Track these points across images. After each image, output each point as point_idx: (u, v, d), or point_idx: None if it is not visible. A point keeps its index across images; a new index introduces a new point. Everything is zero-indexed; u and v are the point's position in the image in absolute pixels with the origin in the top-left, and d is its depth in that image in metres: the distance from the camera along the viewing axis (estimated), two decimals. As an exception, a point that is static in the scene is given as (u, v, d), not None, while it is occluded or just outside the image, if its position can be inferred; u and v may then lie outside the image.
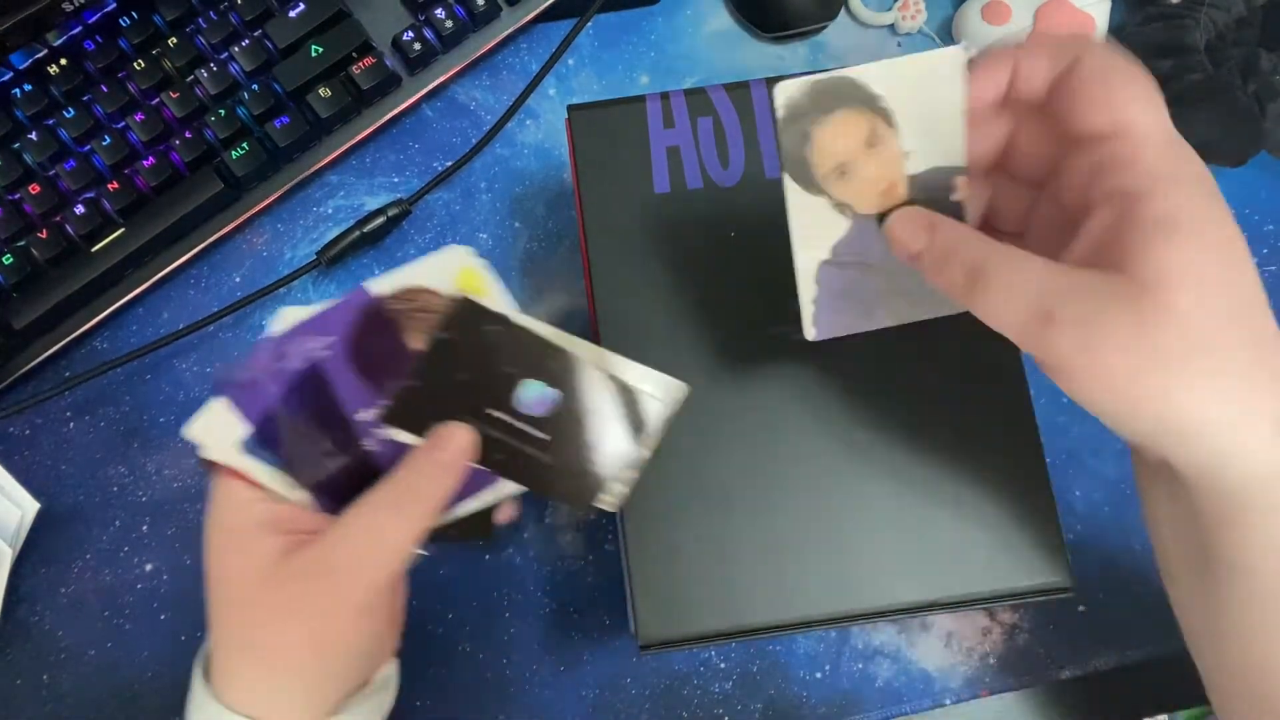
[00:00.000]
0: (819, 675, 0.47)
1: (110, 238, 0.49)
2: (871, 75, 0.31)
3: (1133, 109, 0.28)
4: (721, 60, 0.56)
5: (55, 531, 0.49)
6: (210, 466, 0.34)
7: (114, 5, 0.51)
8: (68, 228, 0.49)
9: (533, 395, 0.34)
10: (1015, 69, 0.30)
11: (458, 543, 0.35)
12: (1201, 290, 0.26)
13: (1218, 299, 0.26)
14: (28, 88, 0.50)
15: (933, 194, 0.32)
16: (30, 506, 0.47)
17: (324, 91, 0.51)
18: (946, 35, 0.56)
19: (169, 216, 0.50)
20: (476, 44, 0.53)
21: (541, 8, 0.54)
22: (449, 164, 0.53)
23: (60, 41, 0.51)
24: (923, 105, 0.32)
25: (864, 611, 0.38)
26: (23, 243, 0.49)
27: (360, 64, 0.51)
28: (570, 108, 0.44)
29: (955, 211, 0.33)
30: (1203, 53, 0.51)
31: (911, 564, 0.39)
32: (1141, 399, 0.27)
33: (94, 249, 0.49)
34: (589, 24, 0.55)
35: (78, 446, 0.50)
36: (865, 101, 0.31)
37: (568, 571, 0.49)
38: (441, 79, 0.53)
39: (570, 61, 0.55)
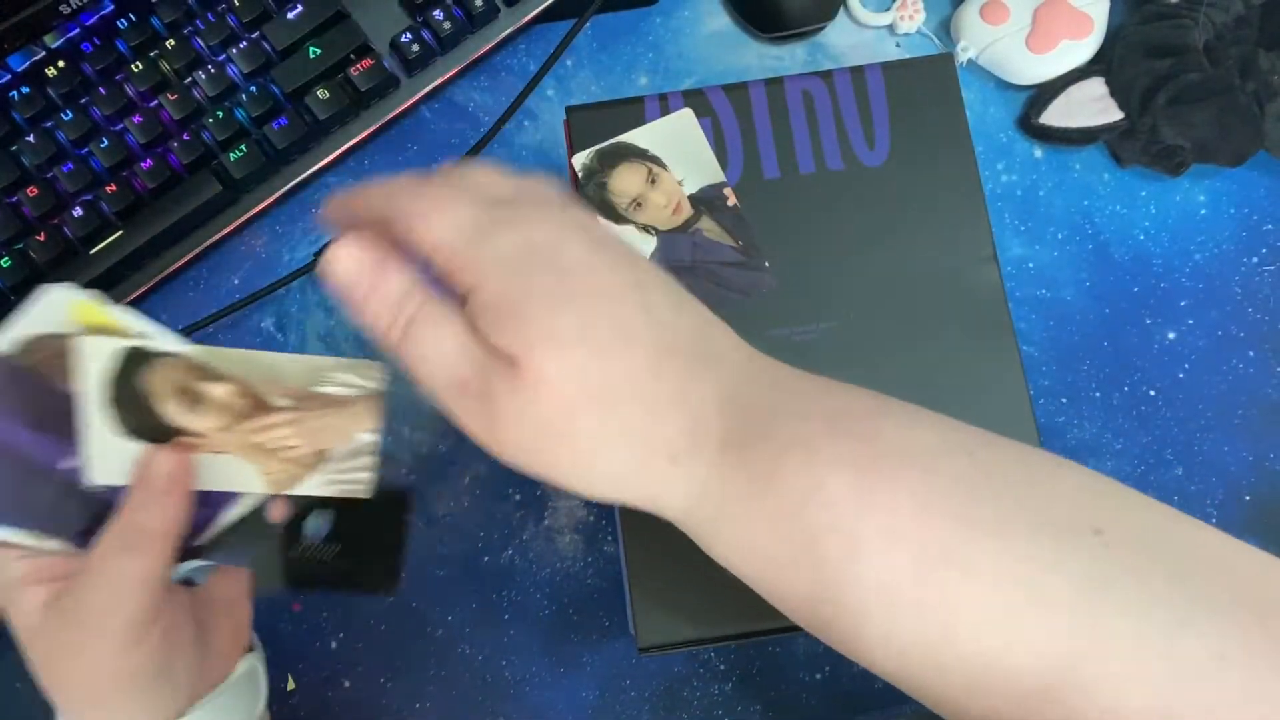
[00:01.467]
0: (819, 676, 0.47)
1: (108, 240, 0.49)
2: (636, 137, 0.43)
3: (421, 232, 0.28)
4: (720, 61, 0.56)
5: (54, 534, 0.49)
6: None
7: (111, 7, 0.51)
8: (66, 230, 0.49)
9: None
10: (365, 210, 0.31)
11: (360, 594, 0.35)
12: (553, 352, 0.27)
13: (570, 354, 0.27)
14: (25, 90, 0.50)
15: (713, 203, 0.42)
16: (29, 509, 0.47)
17: (322, 93, 0.51)
18: (945, 35, 0.56)
19: (167, 218, 0.49)
20: (475, 45, 0.53)
21: (540, 9, 0.54)
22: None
23: (58, 44, 0.51)
24: (679, 149, 0.43)
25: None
26: (21, 245, 0.49)
27: (358, 65, 0.51)
28: (569, 109, 0.44)
29: (735, 214, 0.42)
30: (1201, 52, 0.51)
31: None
32: (552, 463, 0.28)
33: (92, 251, 0.49)
34: (587, 25, 0.55)
35: (76, 449, 0.50)
36: (638, 155, 0.43)
37: (567, 573, 0.48)
38: (440, 80, 0.53)
39: (569, 62, 0.55)
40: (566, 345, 0.27)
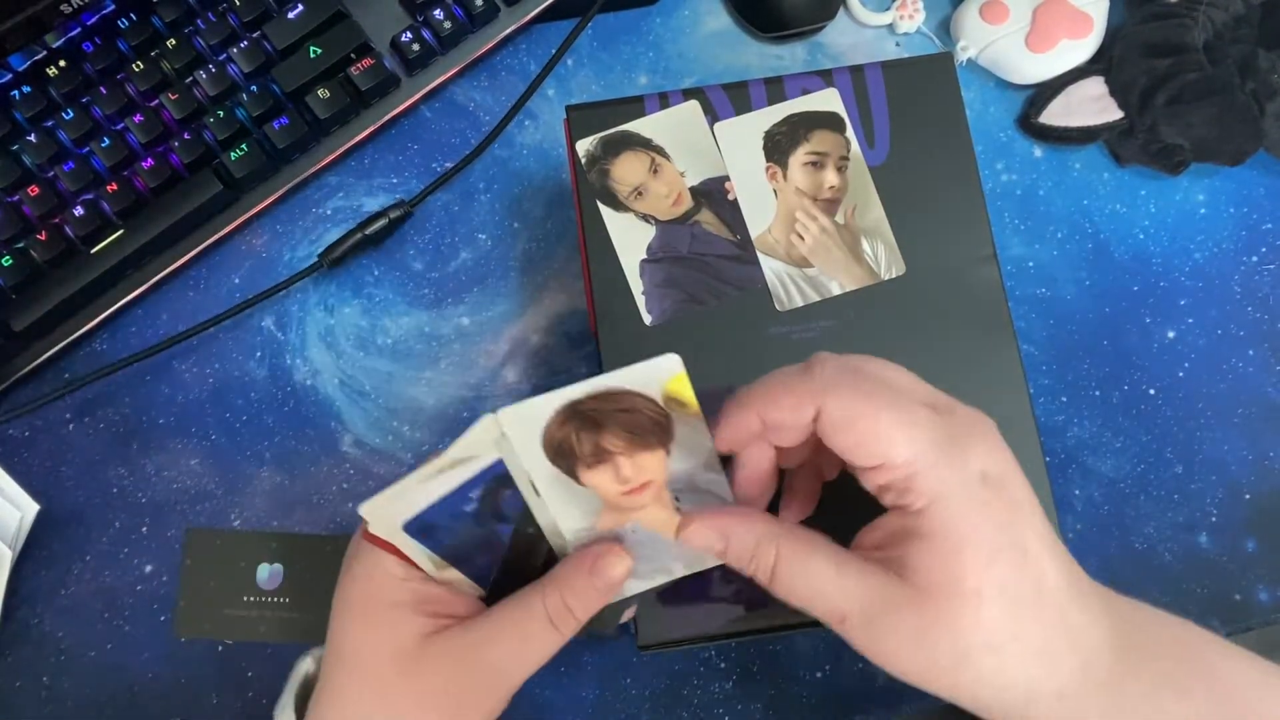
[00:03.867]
0: (819, 675, 0.47)
1: (109, 239, 0.49)
2: (641, 126, 0.43)
3: (886, 444, 0.30)
4: (720, 60, 0.56)
5: (55, 533, 0.49)
6: (371, 539, 0.34)
7: (112, 7, 0.51)
8: (67, 229, 0.49)
9: None
10: (763, 421, 0.32)
11: (583, 634, 0.36)
12: (975, 601, 0.29)
13: (990, 606, 0.29)
14: (26, 89, 0.50)
15: (713, 195, 0.42)
16: (30, 508, 0.47)
17: (323, 93, 0.51)
18: (945, 35, 0.56)
19: (168, 218, 0.50)
20: (475, 45, 0.53)
21: (540, 8, 0.54)
22: (447, 165, 0.53)
23: (59, 43, 0.51)
24: (683, 140, 0.43)
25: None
26: (22, 244, 0.49)
27: (359, 65, 0.51)
28: (569, 108, 0.44)
29: (734, 208, 0.42)
30: (1201, 52, 0.51)
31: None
32: (938, 688, 0.30)
33: (93, 250, 0.49)
34: (587, 24, 0.55)
35: (77, 448, 0.50)
36: (641, 144, 0.43)
37: (568, 572, 0.49)
38: (440, 80, 0.53)
39: (569, 62, 0.55)
40: (990, 602, 0.29)
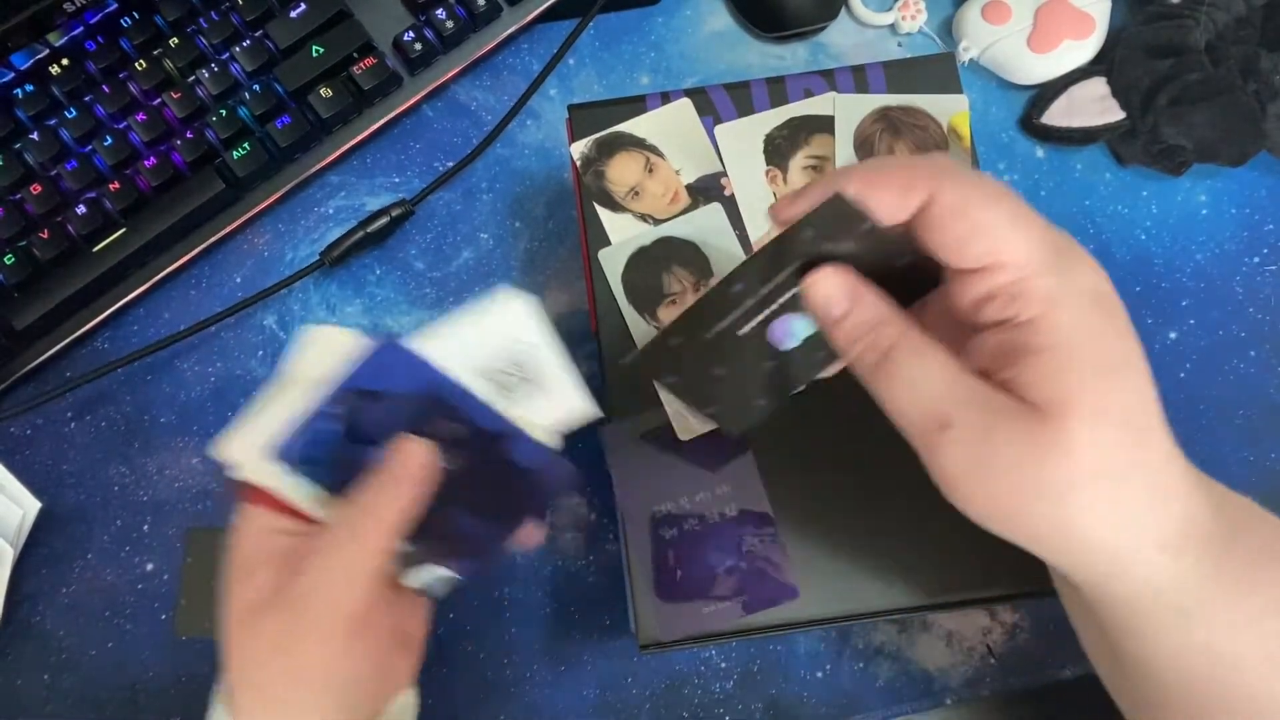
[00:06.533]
0: (820, 675, 0.47)
1: (112, 238, 0.49)
2: (634, 126, 0.43)
3: (1001, 241, 0.27)
4: (722, 60, 0.56)
5: (56, 531, 0.49)
6: (238, 488, 0.33)
7: (115, 6, 0.51)
8: (69, 228, 0.49)
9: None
10: (864, 199, 0.29)
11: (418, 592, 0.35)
12: (1094, 420, 0.26)
13: (1109, 427, 0.26)
14: (29, 88, 0.50)
15: (710, 192, 0.43)
16: (31, 506, 0.47)
17: (325, 92, 0.51)
18: (947, 35, 0.56)
19: (170, 217, 0.50)
20: (477, 44, 0.53)
21: (542, 8, 0.54)
22: (449, 164, 0.53)
23: (62, 42, 0.51)
24: (677, 138, 0.43)
25: (863, 612, 0.38)
26: (24, 243, 0.49)
27: (361, 64, 0.51)
28: (571, 107, 0.44)
29: (732, 204, 0.42)
30: (1203, 52, 0.51)
31: (911, 565, 0.39)
32: (1027, 522, 0.27)
33: (95, 249, 0.49)
34: (589, 24, 0.55)
35: (79, 446, 0.50)
36: (635, 144, 0.43)
37: (568, 571, 0.49)
38: (442, 79, 0.53)
39: (571, 61, 0.56)
40: (1110, 423, 0.26)
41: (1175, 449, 0.28)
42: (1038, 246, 0.27)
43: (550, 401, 0.34)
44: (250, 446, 0.32)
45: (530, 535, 0.36)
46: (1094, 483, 0.26)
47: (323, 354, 0.32)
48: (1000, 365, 0.28)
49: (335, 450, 0.32)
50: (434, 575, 0.35)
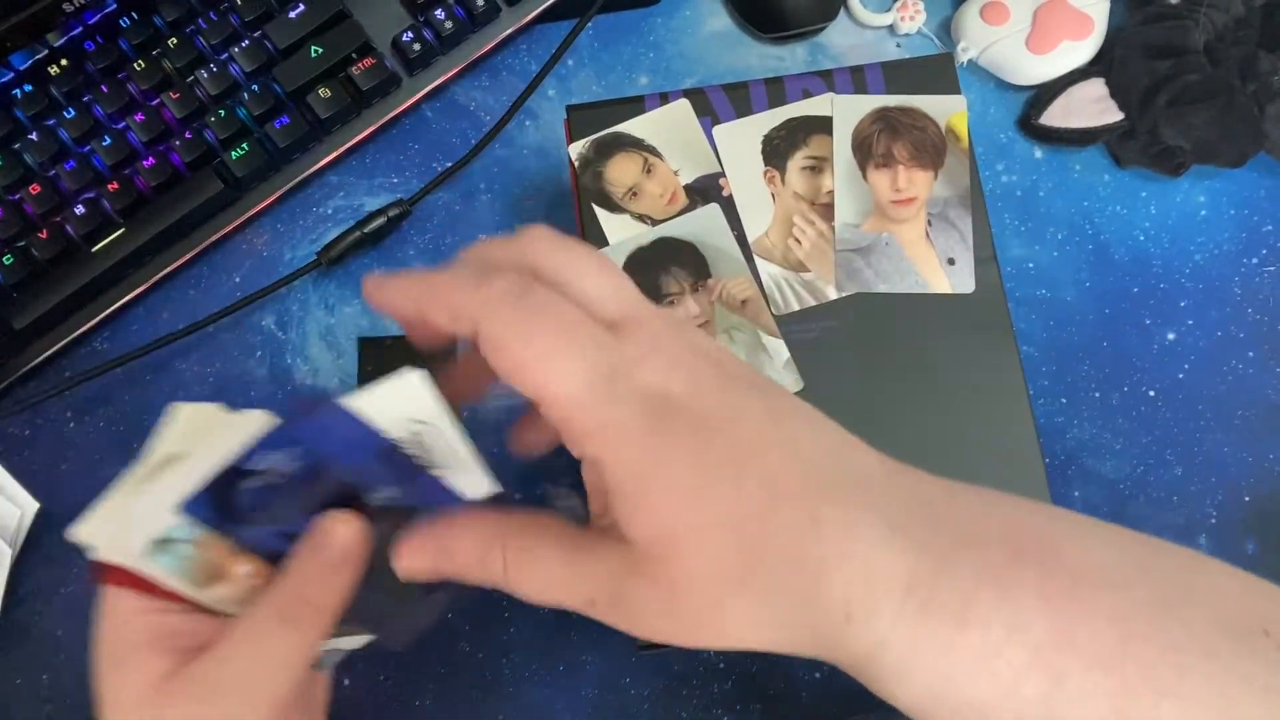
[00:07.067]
0: (819, 675, 0.47)
1: (110, 238, 0.49)
2: (632, 127, 0.44)
3: (542, 375, 0.25)
4: (721, 61, 0.56)
5: (55, 531, 0.49)
6: (99, 572, 0.30)
7: (114, 6, 0.51)
8: (68, 228, 0.49)
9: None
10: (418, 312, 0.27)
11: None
12: (695, 546, 0.24)
13: (712, 544, 0.24)
14: (28, 88, 0.50)
15: (708, 192, 0.43)
16: (30, 506, 0.47)
17: (324, 92, 0.51)
18: (945, 36, 0.56)
19: (169, 217, 0.50)
20: (476, 45, 0.53)
21: (541, 8, 0.54)
22: (448, 164, 0.53)
23: (61, 42, 0.51)
24: (675, 138, 0.43)
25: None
26: (23, 243, 0.49)
27: (360, 65, 0.51)
28: (569, 108, 0.44)
29: (730, 204, 0.42)
30: (1202, 53, 0.51)
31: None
32: (709, 642, 0.26)
33: (94, 249, 0.49)
34: (588, 24, 0.55)
35: (77, 446, 0.50)
36: (633, 144, 0.44)
37: (567, 571, 0.49)
38: (441, 80, 0.53)
39: (569, 62, 0.56)
40: (713, 531, 0.24)
41: (835, 492, 0.25)
42: (581, 378, 0.25)
43: (453, 478, 0.31)
44: (114, 526, 0.30)
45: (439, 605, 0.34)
46: (738, 596, 0.25)
47: (192, 429, 0.30)
48: (603, 506, 0.27)
49: (249, 509, 0.30)
50: (336, 646, 0.33)
